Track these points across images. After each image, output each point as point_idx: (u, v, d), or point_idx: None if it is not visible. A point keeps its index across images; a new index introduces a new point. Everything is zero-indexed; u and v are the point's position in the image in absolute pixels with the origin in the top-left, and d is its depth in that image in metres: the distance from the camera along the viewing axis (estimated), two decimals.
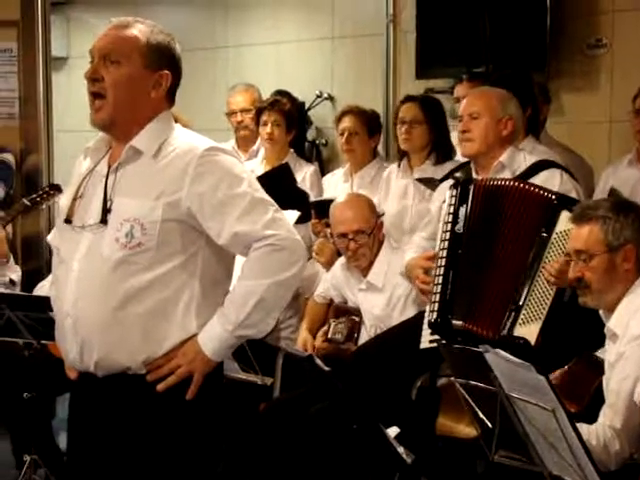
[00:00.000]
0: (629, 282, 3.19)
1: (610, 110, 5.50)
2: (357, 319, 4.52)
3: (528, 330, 3.57)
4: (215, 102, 6.87)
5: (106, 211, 2.73)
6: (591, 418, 3.11)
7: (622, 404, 3.00)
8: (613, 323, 3.18)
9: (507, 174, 3.90)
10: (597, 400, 3.18)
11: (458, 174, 4.00)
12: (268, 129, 5.54)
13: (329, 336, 4.51)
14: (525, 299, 3.60)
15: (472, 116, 3.93)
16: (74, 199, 2.84)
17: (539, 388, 2.61)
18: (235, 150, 5.87)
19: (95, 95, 2.75)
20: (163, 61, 2.78)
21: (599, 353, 3.39)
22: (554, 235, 3.60)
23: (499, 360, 2.71)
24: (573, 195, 3.77)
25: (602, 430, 3.01)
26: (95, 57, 2.76)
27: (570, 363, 3.34)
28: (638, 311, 3.10)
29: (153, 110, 2.80)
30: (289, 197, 4.60)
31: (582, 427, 3.00)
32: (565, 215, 3.57)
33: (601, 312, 3.29)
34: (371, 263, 4.47)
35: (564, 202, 3.63)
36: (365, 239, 4.43)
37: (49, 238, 3.00)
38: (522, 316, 3.59)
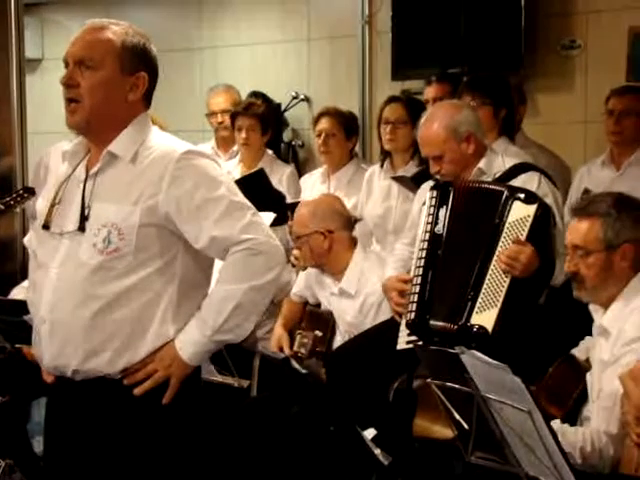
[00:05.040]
0: (624, 280, 3.16)
1: (585, 111, 5.53)
2: (320, 334, 4.51)
3: (484, 317, 3.58)
4: (190, 103, 6.86)
5: (84, 218, 2.72)
6: (573, 420, 3.12)
7: (619, 409, 2.95)
8: (607, 321, 3.15)
9: (486, 179, 3.91)
10: (579, 401, 3.19)
11: (438, 175, 4.00)
12: (243, 134, 5.54)
13: (294, 349, 4.53)
14: (481, 287, 3.62)
15: (435, 158, 3.91)
16: (52, 205, 2.81)
17: (515, 390, 2.61)
18: (215, 150, 5.89)
19: (71, 100, 2.74)
20: (139, 63, 2.76)
21: (575, 351, 3.40)
22: (507, 225, 3.63)
23: (475, 361, 2.71)
24: (548, 199, 3.79)
25: (597, 436, 3.00)
26: (70, 63, 2.73)
27: (552, 366, 3.34)
28: (634, 313, 3.07)
29: (130, 113, 2.78)
30: (266, 200, 4.59)
31: (578, 432, 3.02)
32: (517, 205, 3.62)
33: (591, 307, 3.28)
34: (344, 268, 4.45)
35: (514, 193, 3.66)
36: (300, 244, 4.46)
37: (26, 241, 2.99)
38: (478, 304, 3.61)
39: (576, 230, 3.23)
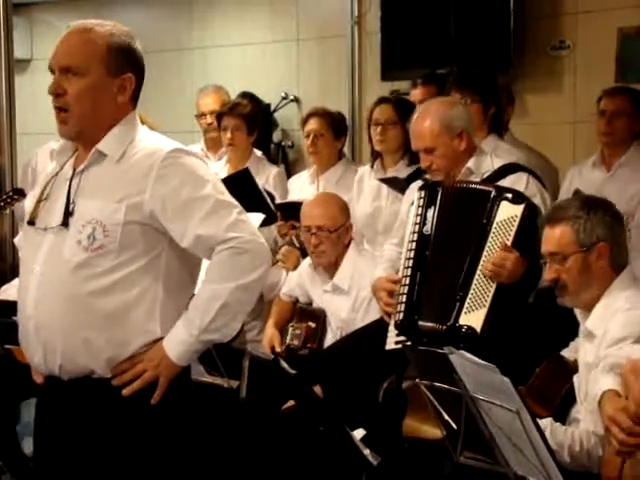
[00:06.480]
0: (605, 280, 3.17)
1: (574, 111, 5.55)
2: (313, 325, 4.52)
3: (472, 318, 3.59)
4: (180, 104, 6.86)
5: (68, 214, 2.72)
6: (561, 420, 3.12)
7: None
8: (591, 323, 3.16)
9: (475, 179, 3.91)
10: (567, 402, 3.19)
11: (427, 176, 4.01)
12: (228, 134, 5.53)
13: (287, 342, 4.53)
14: (469, 288, 3.63)
15: (427, 151, 3.91)
16: (39, 201, 2.82)
17: (503, 390, 2.61)
18: (204, 152, 5.87)
19: (60, 109, 2.73)
20: (125, 64, 2.76)
21: (565, 352, 3.41)
22: (494, 225, 3.64)
23: (463, 362, 2.72)
24: (536, 199, 3.80)
25: (586, 437, 3.00)
26: (55, 71, 2.73)
27: (540, 367, 3.34)
28: (617, 313, 3.07)
29: (119, 114, 2.78)
30: (252, 200, 4.60)
31: (567, 431, 3.02)
32: (504, 205, 3.63)
33: (576, 311, 3.29)
34: (337, 265, 4.47)
35: (502, 193, 3.68)
36: (326, 236, 4.44)
37: (16, 241, 3.00)
38: (466, 305, 3.62)
39: (550, 237, 3.25)
